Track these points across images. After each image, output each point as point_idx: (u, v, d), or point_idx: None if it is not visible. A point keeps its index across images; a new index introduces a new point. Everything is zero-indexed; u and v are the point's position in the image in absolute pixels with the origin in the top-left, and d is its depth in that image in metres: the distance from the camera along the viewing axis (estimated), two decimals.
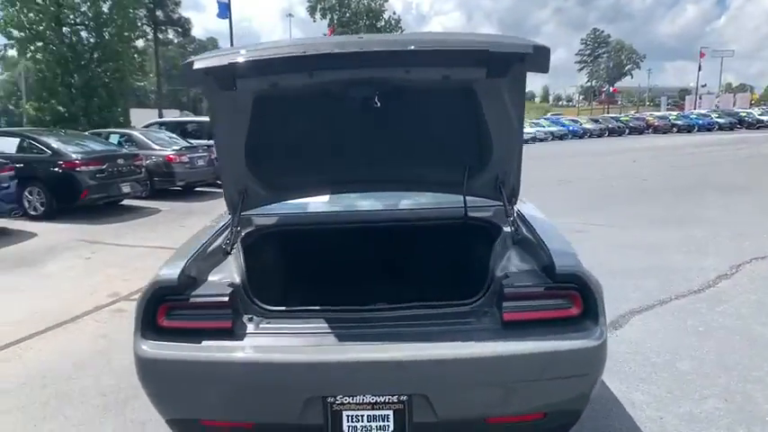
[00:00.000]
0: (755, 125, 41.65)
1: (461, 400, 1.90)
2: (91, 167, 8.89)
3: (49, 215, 8.86)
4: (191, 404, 1.98)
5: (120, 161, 9.56)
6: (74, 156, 8.99)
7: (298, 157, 2.53)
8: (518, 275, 2.06)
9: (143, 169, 10.17)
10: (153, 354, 1.93)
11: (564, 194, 10.95)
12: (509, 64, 2.00)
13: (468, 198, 2.62)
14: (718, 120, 43.28)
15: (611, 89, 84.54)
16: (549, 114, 55.24)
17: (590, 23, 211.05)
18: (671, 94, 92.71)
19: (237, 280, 2.13)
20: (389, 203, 2.98)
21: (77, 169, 8.79)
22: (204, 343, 1.93)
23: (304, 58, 1.93)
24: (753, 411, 2.78)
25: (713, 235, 6.65)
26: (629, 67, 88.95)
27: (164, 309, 2.00)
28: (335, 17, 51.20)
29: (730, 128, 41.82)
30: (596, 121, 44.04)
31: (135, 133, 12.27)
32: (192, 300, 2.00)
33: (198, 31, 59.04)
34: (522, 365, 1.87)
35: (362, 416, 1.90)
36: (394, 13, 55.53)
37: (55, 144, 9.23)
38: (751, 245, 6.07)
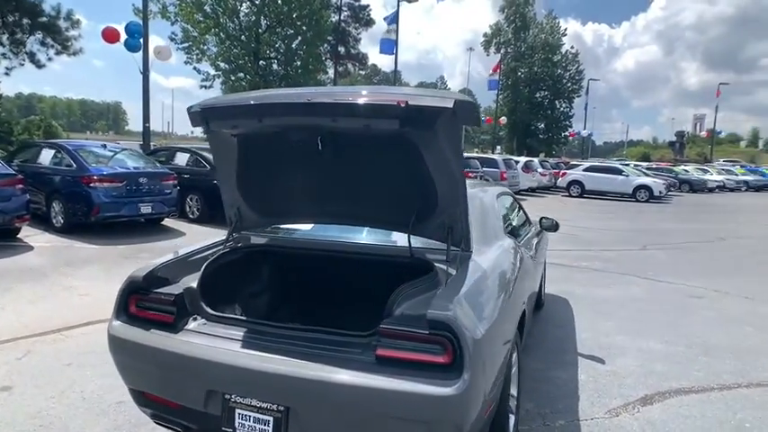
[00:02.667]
0: None
1: (323, 422, 2.08)
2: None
3: (202, 219, 10.63)
4: (138, 377, 2.48)
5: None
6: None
7: (272, 189, 2.95)
8: (407, 317, 2.17)
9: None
10: (118, 332, 2.47)
11: (707, 254, 9.65)
12: (431, 118, 2.17)
13: (426, 240, 2.77)
14: None
15: None
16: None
17: None
18: None
19: (195, 284, 2.59)
20: (350, 236, 3.24)
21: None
22: (151, 330, 2.42)
23: (248, 106, 2.36)
24: None
25: None
26: None
27: (134, 299, 2.54)
28: (510, 51, 51.17)
29: None
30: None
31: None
32: (151, 295, 2.51)
33: (384, 64, 63.89)
34: (382, 400, 1.98)
35: (250, 416, 2.19)
36: (572, 47, 53.59)
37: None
38: None
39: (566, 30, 52.74)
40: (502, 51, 50.43)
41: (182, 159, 11.38)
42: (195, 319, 2.49)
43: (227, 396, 2.21)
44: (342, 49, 40.68)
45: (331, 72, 35.18)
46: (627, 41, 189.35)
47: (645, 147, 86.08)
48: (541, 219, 4.89)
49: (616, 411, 3.41)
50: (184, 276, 2.72)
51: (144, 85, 14.46)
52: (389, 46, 24.95)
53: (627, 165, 27.64)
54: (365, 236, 3.26)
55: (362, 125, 2.25)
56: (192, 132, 52.93)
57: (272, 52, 28.57)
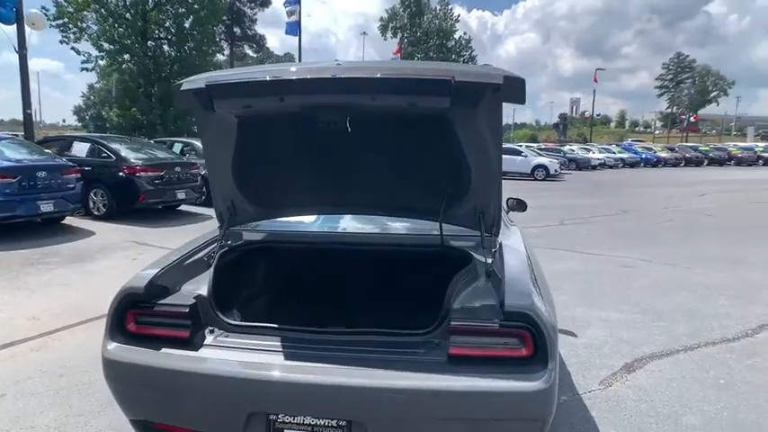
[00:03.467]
0: None
1: None
2: (149, 173, 9.51)
3: (109, 216, 9.55)
4: (147, 407, 2.08)
5: (178, 169, 10.16)
6: (134, 161, 9.66)
7: (278, 177, 2.62)
8: (473, 309, 2.02)
9: (199, 177, 10.75)
10: (116, 356, 2.05)
11: (618, 226, 10.49)
12: (478, 94, 1.99)
13: (453, 227, 2.61)
14: None
15: (692, 117, 79.89)
16: (628, 141, 52.98)
17: (676, 47, 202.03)
18: (762, 123, 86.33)
19: (204, 291, 2.23)
20: (371, 227, 3.00)
21: (137, 174, 9.44)
22: (162, 350, 2.03)
23: (273, 82, 2.01)
24: None
25: None
26: (714, 93, 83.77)
27: (132, 314, 2.12)
28: (406, 36, 51.94)
29: None
30: (672, 149, 41.78)
31: (197, 143, 12.99)
32: (156, 308, 2.11)
33: (276, 46, 61.77)
34: (461, 403, 1.83)
35: None
36: (464, 33, 55.57)
37: (120, 150, 9.95)
38: None
39: (458, 16, 54.55)
40: (399, 36, 51.05)
41: (80, 150, 10.11)
42: (212, 332, 2.14)
43: (273, 417, 1.92)
44: (237, 30, 38.67)
45: (224, 55, 33.36)
46: (509, 29, 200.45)
47: (530, 129, 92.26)
48: (508, 200, 4.92)
49: (608, 382, 3.54)
50: (183, 283, 2.33)
51: (21, 65, 12.60)
52: (293, 28, 24.13)
53: (521, 146, 29.37)
54: (375, 226, 3.02)
55: (407, 103, 2.03)
56: (64, 121, 47.29)
57: (162, 32, 26.39)
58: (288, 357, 1.98)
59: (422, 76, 1.98)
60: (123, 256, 7.17)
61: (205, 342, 2.08)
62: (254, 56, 53.51)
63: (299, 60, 29.45)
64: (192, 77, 2.24)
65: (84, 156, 9.93)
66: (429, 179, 2.50)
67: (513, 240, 2.67)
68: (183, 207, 11.07)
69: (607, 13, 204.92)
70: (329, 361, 1.95)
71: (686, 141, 58.21)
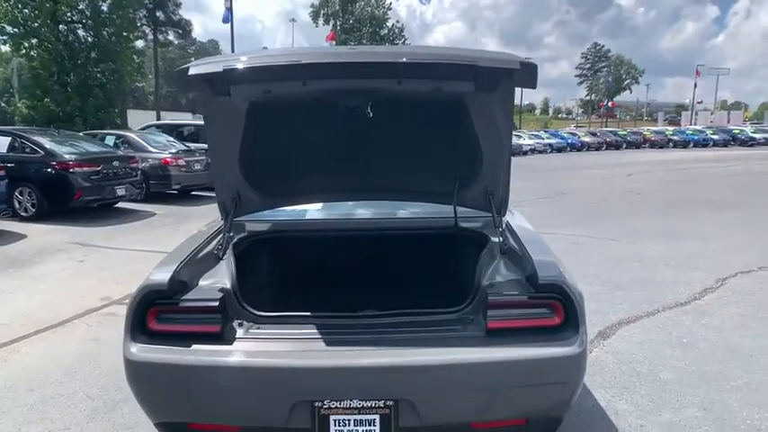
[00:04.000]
0: (748, 142, 42.09)
1: (446, 406, 1.93)
2: (85, 169, 8.90)
3: (40, 216, 8.85)
4: (178, 407, 2.00)
5: (116, 163, 9.58)
6: (67, 156, 8.99)
7: (290, 164, 2.57)
8: (503, 285, 2.10)
9: (138, 172, 10.20)
10: (142, 357, 1.95)
11: (561, 207, 11.04)
12: (497, 79, 2.05)
13: (461, 209, 2.67)
14: (713, 136, 43.70)
15: (609, 103, 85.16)
16: (559, 129, 55.51)
17: (592, 37, 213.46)
18: (668, 109, 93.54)
19: (228, 285, 2.16)
20: (381, 212, 3.02)
21: (71, 170, 8.79)
22: (193, 347, 1.96)
23: (299, 66, 1.97)
24: (729, 420, 2.82)
25: (703, 249, 6.72)
26: (627, 81, 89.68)
27: (153, 312, 2.03)
28: (338, 23, 51.43)
29: (724, 144, 42.26)
30: (594, 134, 44.35)
31: (131, 135, 12.30)
32: (181, 304, 2.02)
33: (199, 33, 59.09)
34: (504, 372, 1.90)
35: (349, 420, 1.92)
36: (397, 22, 55.87)
37: (48, 144, 9.22)
38: (736, 259, 6.14)
39: (390, 4, 54.69)
40: (332, 23, 50.48)
41: None
42: (241, 325, 2.08)
43: (319, 404, 1.91)
44: (161, 15, 36.55)
45: (146, 42, 31.51)
46: (437, 18, 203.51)
47: None
48: None
49: (588, 349, 3.77)
50: (198, 277, 2.25)
51: None
52: (227, 15, 23.34)
53: None
54: (383, 210, 3.03)
55: (432, 88, 2.06)
56: None
57: (76, 14, 24.38)
58: (327, 343, 1.97)
59: (449, 60, 2.02)
60: (67, 258, 6.70)
61: (237, 335, 2.02)
62: (176, 42, 50.99)
63: (232, 48, 28.44)
64: (200, 60, 2.15)
65: (6, 151, 9.09)
66: (441, 163, 2.54)
67: (518, 220, 2.78)
68: (121, 204, 10.46)
69: (528, 4, 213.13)
70: (368, 344, 1.96)
71: (605, 126, 61.95)
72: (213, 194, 10.99)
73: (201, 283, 2.19)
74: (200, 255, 2.37)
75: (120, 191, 9.56)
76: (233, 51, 28.91)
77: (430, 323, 2.08)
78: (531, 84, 2.15)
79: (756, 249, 6.64)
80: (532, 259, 2.09)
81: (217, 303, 2.00)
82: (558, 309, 2.00)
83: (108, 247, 7.29)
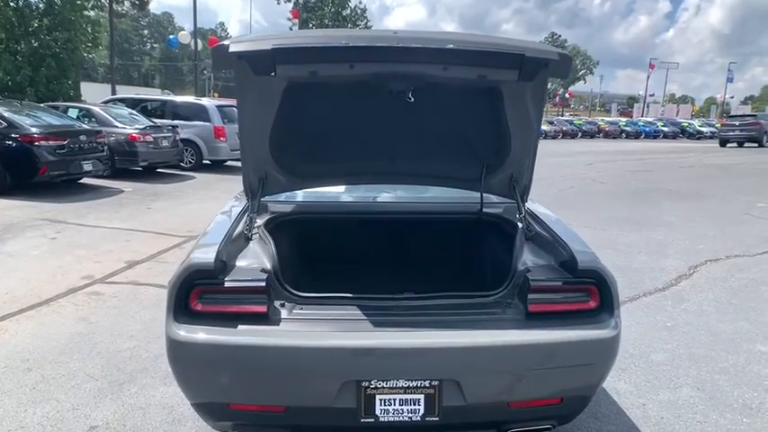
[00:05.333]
0: (695, 135, 44.24)
1: (489, 385, 2.01)
2: (51, 142, 8.47)
3: (2, 191, 8.39)
4: (222, 388, 1.99)
5: (83, 137, 9.15)
6: (32, 129, 8.53)
7: (321, 146, 2.56)
8: (540, 270, 2.19)
9: (106, 147, 9.79)
10: (187, 337, 1.92)
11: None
12: (537, 69, 2.11)
13: (485, 195, 2.74)
14: (663, 128, 45.67)
15: (566, 93, 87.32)
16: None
17: (549, 26, 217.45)
18: (620, 100, 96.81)
19: (269, 266, 2.15)
20: (407, 196, 3.06)
21: (36, 144, 8.35)
22: (240, 327, 1.95)
23: (351, 49, 1.96)
24: (722, 399, 3.04)
25: (671, 238, 7.09)
26: (582, 72, 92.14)
27: (197, 293, 2.00)
28: (301, 1, 50.28)
29: (673, 136, 44.27)
30: (552, 123, 45.49)
31: (95, 109, 11.73)
32: (227, 284, 2.00)
33: (153, 6, 56.57)
34: (546, 354, 1.99)
35: (395, 399, 1.97)
36: (360, 2, 55.07)
37: (9, 115, 8.71)
38: (704, 248, 6.52)
39: None
40: (293, 0, 49.34)
41: None
42: (284, 306, 2.09)
43: (366, 384, 1.95)
44: None
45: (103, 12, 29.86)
46: (396, 1, 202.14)
47: None
48: None
49: None
50: (235, 258, 2.23)
51: None
52: None
53: None
54: (408, 195, 3.05)
55: (477, 75, 2.10)
56: None
57: None
58: (372, 325, 2.01)
59: (499, 49, 2.05)
60: (39, 234, 6.41)
61: (282, 316, 2.03)
62: (129, 14, 48.66)
63: (194, 23, 27.41)
64: (238, 38, 2.11)
65: None
66: (470, 149, 2.59)
67: (537, 206, 2.87)
68: (87, 180, 10.03)
69: None
70: (411, 325, 2.01)
71: (561, 116, 63.56)
72: (180, 172, 10.89)
73: (238, 263, 2.17)
74: (235, 234, 2.34)
75: (87, 166, 9.15)
76: (195, 25, 27.89)
77: (469, 306, 2.14)
78: (565, 74, 2.23)
79: (720, 239, 7.06)
80: (569, 246, 2.18)
81: (264, 284, 1.99)
82: (594, 293, 2.10)
83: (80, 224, 7.02)
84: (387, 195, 3.07)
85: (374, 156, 2.64)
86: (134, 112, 12.51)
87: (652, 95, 78.70)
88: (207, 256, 2.00)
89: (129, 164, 10.85)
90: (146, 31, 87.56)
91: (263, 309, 1.99)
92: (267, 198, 2.71)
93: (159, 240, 6.31)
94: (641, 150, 26.85)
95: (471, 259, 2.81)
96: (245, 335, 1.93)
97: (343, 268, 2.84)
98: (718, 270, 5.65)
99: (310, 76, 2.11)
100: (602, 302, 2.10)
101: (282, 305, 2.09)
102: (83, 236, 6.45)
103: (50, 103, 13.08)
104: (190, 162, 12.74)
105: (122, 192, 9.59)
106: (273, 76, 2.04)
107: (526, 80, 2.14)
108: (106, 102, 13.88)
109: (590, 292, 2.11)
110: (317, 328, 2.00)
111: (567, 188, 12.27)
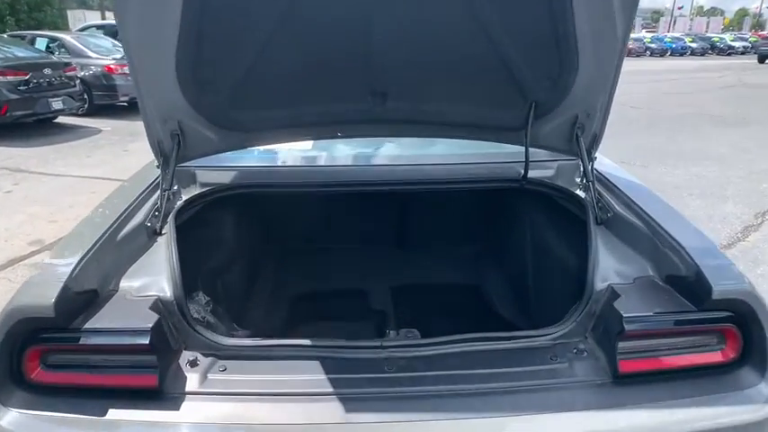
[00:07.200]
0: (726, 51, 41.23)
1: None
2: (9, 78, 7.45)
3: None
4: None
5: (47, 71, 8.07)
6: None
7: (269, 74, 1.56)
8: (637, 294, 1.28)
9: (78, 81, 8.74)
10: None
11: None
12: None
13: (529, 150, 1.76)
14: (692, 44, 42.56)
15: None
16: None
17: None
18: (644, 14, 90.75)
19: (168, 292, 1.27)
20: (407, 156, 2.06)
21: None
22: (110, 413, 1.10)
23: None
24: None
25: (725, 175, 6.06)
26: None
27: (36, 353, 1.14)
28: None
29: (702, 53, 41.29)
30: None
31: (67, 38, 10.51)
32: (82, 340, 1.14)
33: None
34: None
35: None
36: None
37: None
38: None
39: None
40: None
41: None
42: (194, 364, 1.23)
43: None
44: None
45: None
46: None
47: None
48: None
49: None
50: (120, 273, 1.34)
51: None
52: None
53: None
54: (404, 153, 2.06)
55: None
56: None
57: None
58: (345, 407, 1.14)
59: None
60: None
61: (186, 388, 1.17)
62: None
63: None
64: None
65: None
66: (509, 73, 1.58)
67: (609, 166, 1.92)
68: (62, 119, 9.08)
69: None
70: (415, 405, 1.14)
71: None
72: None
73: (123, 285, 1.30)
74: (124, 232, 1.44)
75: (57, 104, 8.15)
76: None
77: (508, 356, 1.26)
78: None
79: None
80: (685, 249, 1.26)
81: (147, 340, 1.12)
82: (730, 336, 1.21)
83: (43, 173, 6.18)
84: (374, 156, 2.07)
85: (353, 91, 1.63)
86: (116, 41, 11.26)
87: (681, 8, 73.31)
88: (45, 291, 1.12)
89: (107, 99, 9.78)
90: None
91: (150, 380, 1.13)
92: (192, 163, 1.76)
93: None
94: (671, 69, 24.86)
95: (505, 259, 1.88)
96: (113, 429, 1.08)
97: (309, 276, 1.92)
98: None
99: None
100: (745, 351, 1.21)
101: (193, 362, 1.23)
102: (43, 188, 5.62)
103: (15, 33, 11.85)
104: None
105: (100, 132, 8.65)
106: None
107: None
108: (82, 29, 12.57)
109: (724, 335, 1.21)
110: (245, 413, 1.15)
111: None
